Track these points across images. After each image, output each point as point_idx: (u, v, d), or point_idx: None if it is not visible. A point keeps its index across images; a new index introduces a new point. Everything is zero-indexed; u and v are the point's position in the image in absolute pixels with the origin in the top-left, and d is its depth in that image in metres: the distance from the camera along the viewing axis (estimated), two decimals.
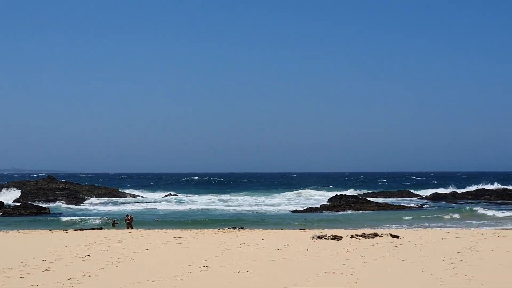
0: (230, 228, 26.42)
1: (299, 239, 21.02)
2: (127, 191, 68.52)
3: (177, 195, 64.21)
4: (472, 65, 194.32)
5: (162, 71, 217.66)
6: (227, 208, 45.34)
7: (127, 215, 29.66)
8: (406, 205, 45.17)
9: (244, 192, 70.39)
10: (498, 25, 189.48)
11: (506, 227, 27.48)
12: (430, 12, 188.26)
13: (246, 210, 42.45)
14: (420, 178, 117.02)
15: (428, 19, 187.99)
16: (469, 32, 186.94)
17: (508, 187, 57.65)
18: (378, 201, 47.21)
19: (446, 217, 33.99)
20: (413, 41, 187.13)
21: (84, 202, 51.47)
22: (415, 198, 56.94)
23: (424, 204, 46.67)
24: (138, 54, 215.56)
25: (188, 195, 65.77)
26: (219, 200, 56.51)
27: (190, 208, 45.46)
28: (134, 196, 63.30)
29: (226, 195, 64.80)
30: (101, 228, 27.68)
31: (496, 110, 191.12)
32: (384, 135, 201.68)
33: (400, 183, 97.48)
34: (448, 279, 12.79)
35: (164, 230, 25.77)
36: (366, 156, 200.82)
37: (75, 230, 26.19)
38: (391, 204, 44.44)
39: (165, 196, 63.73)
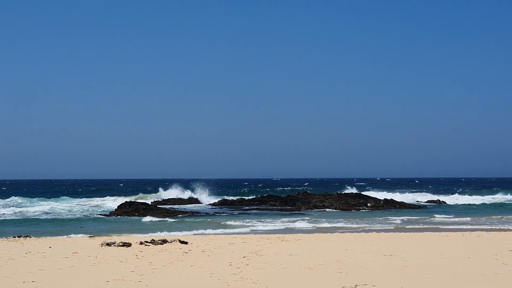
0: (15, 237, 25.34)
1: (87, 246, 20.67)
2: None
3: None
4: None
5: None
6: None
7: None
8: (197, 211, 45.86)
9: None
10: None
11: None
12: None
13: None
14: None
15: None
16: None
17: (291, 194, 59.82)
18: (169, 208, 47.51)
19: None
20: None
21: None
22: (203, 205, 57.87)
23: (213, 210, 47.72)
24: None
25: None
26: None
27: None
28: None
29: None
30: None
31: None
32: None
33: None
34: (235, 283, 13.24)
35: None
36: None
37: None
38: (180, 211, 44.94)
39: None
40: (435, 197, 65.43)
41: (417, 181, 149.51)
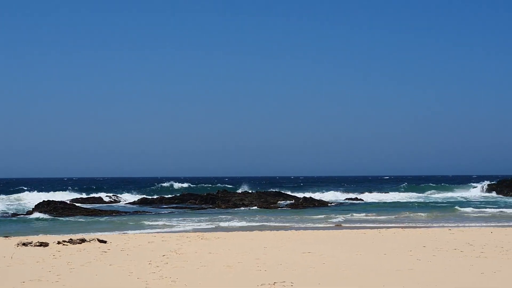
0: None
1: (2, 246, 20.17)
2: None
3: None
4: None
5: None
6: None
7: None
8: (117, 210, 45.31)
9: None
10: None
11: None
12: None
13: None
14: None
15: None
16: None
17: (211, 193, 59.45)
18: (88, 207, 46.87)
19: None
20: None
21: None
22: (123, 203, 57.19)
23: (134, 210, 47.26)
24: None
25: None
26: None
27: None
28: None
29: None
30: None
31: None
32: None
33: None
34: (154, 282, 13.22)
35: None
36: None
37: None
38: (99, 210, 44.35)
39: None
40: (354, 195, 66.67)
41: (336, 178, 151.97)
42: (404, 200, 61.02)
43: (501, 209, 43.38)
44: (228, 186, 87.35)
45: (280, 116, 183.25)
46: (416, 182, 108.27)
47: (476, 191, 73.77)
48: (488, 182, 76.06)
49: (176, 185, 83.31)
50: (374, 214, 39.92)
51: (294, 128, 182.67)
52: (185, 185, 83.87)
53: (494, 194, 69.52)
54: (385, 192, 74.21)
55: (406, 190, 79.33)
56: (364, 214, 39.94)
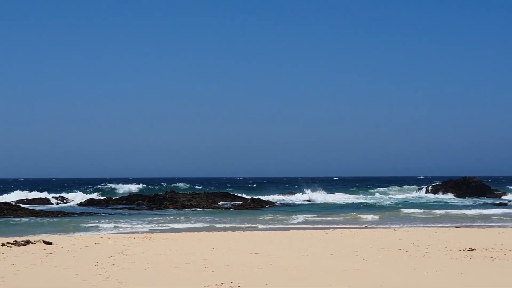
0: None
1: None
2: None
3: None
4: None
5: None
6: None
7: None
8: (64, 211, 44.66)
9: None
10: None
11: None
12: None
13: None
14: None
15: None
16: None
17: (159, 194, 59.12)
18: (34, 208, 46.08)
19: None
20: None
21: None
22: (70, 204, 56.45)
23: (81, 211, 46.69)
24: None
25: None
26: None
27: None
28: None
29: None
30: None
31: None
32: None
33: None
34: (100, 283, 13.12)
35: None
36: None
37: None
38: (45, 211, 43.55)
39: None
40: (302, 196, 66.96)
41: (284, 180, 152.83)
42: (352, 201, 61.58)
43: (445, 210, 44.23)
44: (179, 184, 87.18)
45: (233, 116, 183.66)
46: (363, 183, 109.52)
47: (421, 192, 74.97)
48: (433, 183, 77.40)
49: (127, 186, 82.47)
50: (321, 214, 40.24)
51: (247, 128, 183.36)
52: (140, 186, 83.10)
53: (439, 195, 70.70)
54: (333, 193, 74.73)
55: (354, 191, 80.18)
56: (312, 215, 40.21)
